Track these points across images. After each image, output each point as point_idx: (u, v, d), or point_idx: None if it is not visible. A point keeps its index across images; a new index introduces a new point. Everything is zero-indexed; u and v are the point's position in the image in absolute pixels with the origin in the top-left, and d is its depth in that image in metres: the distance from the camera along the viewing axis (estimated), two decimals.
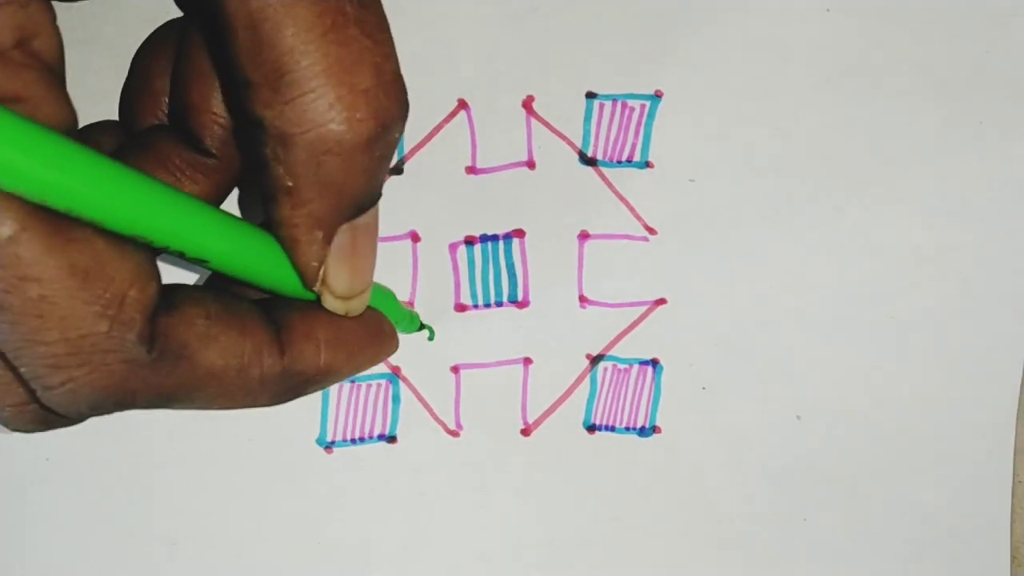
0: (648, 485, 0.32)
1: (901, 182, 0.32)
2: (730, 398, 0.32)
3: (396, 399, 0.32)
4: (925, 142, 0.32)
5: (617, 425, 0.32)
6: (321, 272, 0.23)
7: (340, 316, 0.24)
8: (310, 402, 0.32)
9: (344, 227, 0.22)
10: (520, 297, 0.32)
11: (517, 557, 0.32)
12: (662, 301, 0.32)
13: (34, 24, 0.20)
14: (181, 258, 0.21)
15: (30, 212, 0.18)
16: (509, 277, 0.32)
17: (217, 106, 0.24)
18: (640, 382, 0.32)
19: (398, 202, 0.31)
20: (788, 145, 0.32)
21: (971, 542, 0.32)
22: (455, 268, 0.32)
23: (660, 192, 0.32)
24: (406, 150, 0.31)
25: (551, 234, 0.32)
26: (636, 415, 0.32)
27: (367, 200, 0.22)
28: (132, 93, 0.26)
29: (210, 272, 0.24)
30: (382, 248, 0.31)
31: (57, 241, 0.19)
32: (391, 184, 0.31)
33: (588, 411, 0.32)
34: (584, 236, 0.32)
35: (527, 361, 0.32)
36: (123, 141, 0.26)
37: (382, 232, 0.31)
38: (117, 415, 0.32)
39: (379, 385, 0.32)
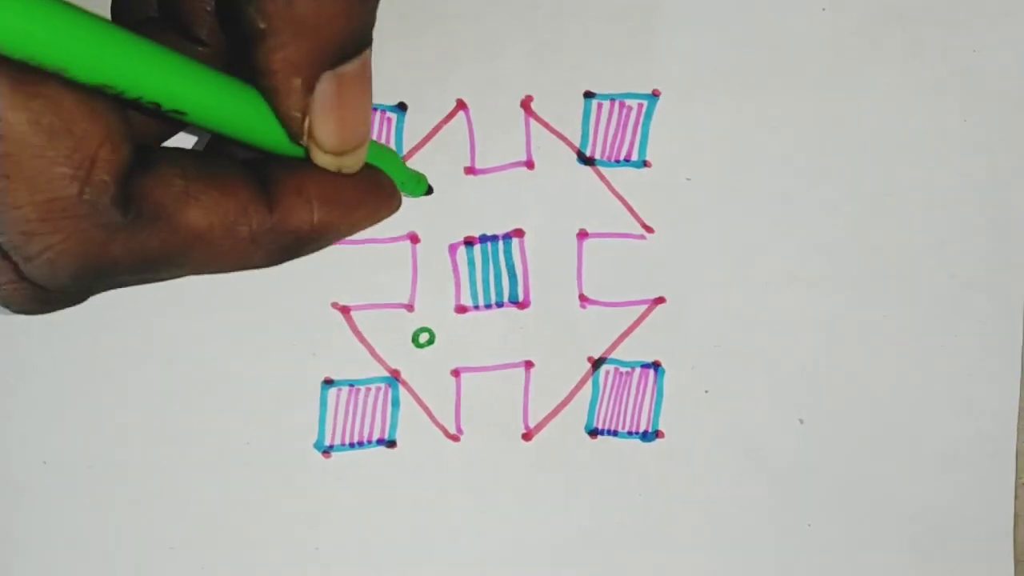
0: (651, 490, 0.32)
1: (898, 181, 0.32)
2: (732, 401, 0.32)
3: (396, 403, 0.32)
4: (921, 141, 0.32)
5: (619, 429, 0.32)
6: (306, 124, 0.22)
7: (333, 173, 0.23)
8: (308, 406, 0.32)
9: (327, 74, 0.21)
10: (520, 297, 0.32)
11: (518, 564, 0.32)
12: (661, 300, 0.32)
13: None
14: (158, 114, 0.20)
15: None
16: (509, 277, 0.32)
17: None
18: (642, 386, 0.32)
19: None
20: (783, 144, 0.32)
21: (975, 545, 0.32)
22: (455, 269, 0.32)
23: (657, 190, 0.32)
24: (405, 151, 0.32)
25: (550, 233, 0.32)
26: (638, 419, 0.32)
27: (350, 45, 0.21)
28: None
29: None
30: (380, 249, 0.32)
31: (20, 94, 0.18)
32: None
33: (590, 415, 0.32)
34: (583, 235, 0.32)
35: (528, 364, 0.32)
36: None
37: (380, 233, 0.31)
38: (116, 425, 0.31)
39: (378, 389, 0.32)
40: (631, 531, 0.32)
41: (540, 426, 0.32)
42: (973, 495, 0.32)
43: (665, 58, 0.32)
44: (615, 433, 0.32)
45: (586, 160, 0.32)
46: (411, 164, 0.32)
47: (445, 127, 0.32)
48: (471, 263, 0.32)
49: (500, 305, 0.32)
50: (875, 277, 0.32)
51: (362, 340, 0.32)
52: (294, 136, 0.22)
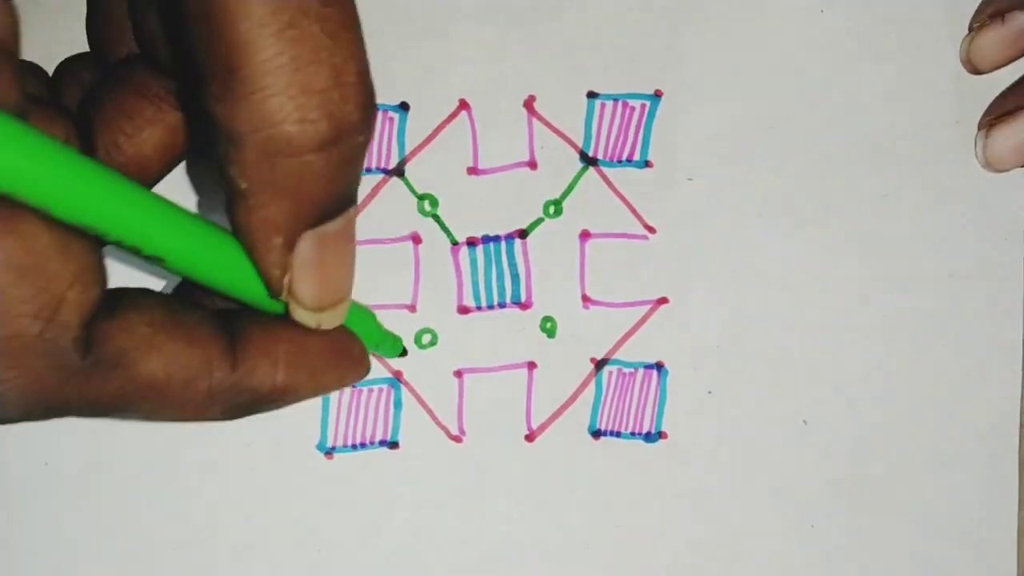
0: (654, 491, 0.32)
1: (898, 181, 0.32)
2: (736, 403, 0.32)
3: (398, 404, 0.32)
4: (921, 140, 0.32)
5: (622, 430, 0.32)
6: (286, 281, 0.21)
7: (304, 333, 0.23)
8: (311, 407, 0.32)
9: (308, 234, 0.21)
10: (523, 298, 0.32)
11: (520, 565, 0.32)
12: (664, 300, 0.32)
13: None
14: (137, 256, 0.20)
15: None
16: (512, 278, 0.32)
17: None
18: (645, 386, 0.32)
19: (399, 204, 0.32)
20: (784, 144, 0.32)
21: (978, 546, 0.32)
22: (457, 270, 0.32)
23: (659, 191, 0.32)
24: (407, 151, 0.32)
25: (552, 234, 0.32)
26: (641, 420, 0.32)
27: (332, 206, 0.21)
28: (94, 27, 0.26)
29: (178, 281, 0.23)
30: (382, 250, 0.31)
31: None
32: (392, 185, 0.32)
33: (593, 416, 0.32)
34: (585, 235, 0.32)
35: (531, 365, 0.32)
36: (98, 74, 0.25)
37: (383, 234, 0.31)
38: (117, 426, 0.31)
39: (381, 390, 0.32)
40: (634, 532, 0.32)
41: (543, 427, 0.32)
42: (976, 495, 0.32)
43: (668, 59, 0.32)
44: (618, 434, 0.32)
45: (589, 160, 0.32)
46: (413, 164, 0.32)
47: (447, 127, 0.32)
48: (473, 264, 0.32)
49: (503, 306, 0.32)
50: (876, 277, 0.32)
51: None
52: (273, 292, 0.22)
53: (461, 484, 0.32)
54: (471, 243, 0.32)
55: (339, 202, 0.21)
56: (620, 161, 0.32)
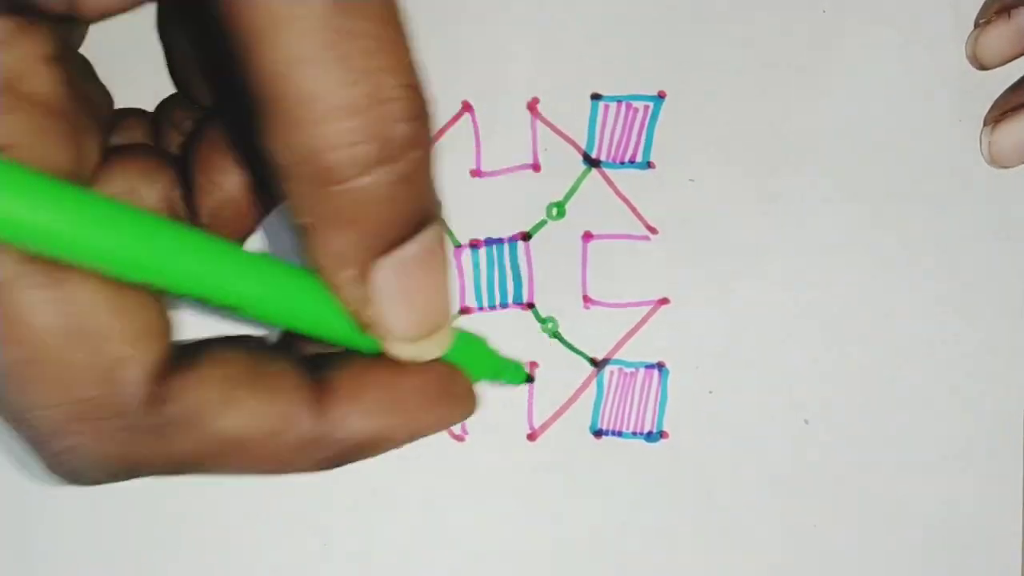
0: (655, 490, 0.32)
1: (899, 181, 0.32)
2: (737, 402, 0.32)
3: None
4: (922, 141, 0.32)
5: (624, 430, 0.32)
6: (373, 313, 0.20)
7: (399, 373, 0.21)
8: None
9: (383, 261, 0.19)
10: (525, 299, 0.32)
11: (523, 563, 0.32)
12: (665, 301, 0.32)
13: (23, 64, 0.18)
14: (211, 305, 0.19)
15: (21, 261, 0.17)
16: (514, 279, 0.32)
17: None
18: (646, 386, 0.32)
19: None
20: (785, 144, 0.32)
21: (981, 546, 0.32)
22: (460, 272, 0.32)
23: (661, 192, 0.32)
24: None
25: (555, 236, 0.32)
26: (643, 420, 0.32)
27: (403, 229, 0.19)
28: (173, 73, 0.25)
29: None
30: None
31: (50, 295, 0.17)
32: None
33: (595, 416, 0.32)
34: (588, 236, 0.32)
35: (532, 365, 0.32)
36: (197, 115, 0.24)
37: None
38: None
39: None
40: (635, 531, 0.32)
41: (545, 426, 0.32)
42: (980, 495, 0.32)
43: (671, 60, 0.32)
44: (619, 433, 0.32)
45: (592, 162, 0.32)
46: None
47: (451, 129, 0.32)
48: (476, 266, 0.32)
49: (505, 306, 0.32)
50: (877, 277, 0.32)
51: None
52: (360, 327, 0.20)
53: (463, 482, 0.32)
54: (474, 245, 0.32)
55: (410, 223, 0.19)
56: (623, 162, 0.32)
